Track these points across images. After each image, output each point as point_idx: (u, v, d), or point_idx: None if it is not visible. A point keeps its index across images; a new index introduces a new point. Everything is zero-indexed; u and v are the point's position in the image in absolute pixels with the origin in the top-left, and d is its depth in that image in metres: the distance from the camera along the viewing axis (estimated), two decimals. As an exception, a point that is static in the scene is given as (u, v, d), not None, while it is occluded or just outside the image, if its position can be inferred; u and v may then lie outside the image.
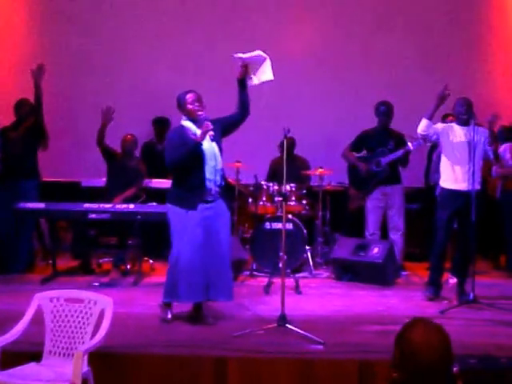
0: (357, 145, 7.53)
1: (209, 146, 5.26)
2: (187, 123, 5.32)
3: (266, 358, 4.55)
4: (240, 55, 5.29)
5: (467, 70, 8.84)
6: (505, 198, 7.36)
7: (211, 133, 5.24)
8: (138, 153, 8.19)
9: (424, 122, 6.10)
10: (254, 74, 5.31)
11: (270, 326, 5.04)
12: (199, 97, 5.35)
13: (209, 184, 5.24)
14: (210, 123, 5.17)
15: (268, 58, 5.30)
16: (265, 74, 5.28)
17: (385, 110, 7.35)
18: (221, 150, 5.34)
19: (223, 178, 5.44)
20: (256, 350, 4.62)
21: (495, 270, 7.75)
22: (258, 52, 5.30)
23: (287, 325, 5.00)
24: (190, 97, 5.29)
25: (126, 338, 4.84)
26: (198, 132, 5.22)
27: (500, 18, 9.17)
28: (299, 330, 4.92)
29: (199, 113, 5.30)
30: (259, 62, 5.31)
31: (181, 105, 5.35)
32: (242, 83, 5.36)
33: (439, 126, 6.24)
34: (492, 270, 7.69)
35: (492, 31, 9.12)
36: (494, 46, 9.11)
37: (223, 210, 5.38)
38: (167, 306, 5.42)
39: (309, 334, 4.85)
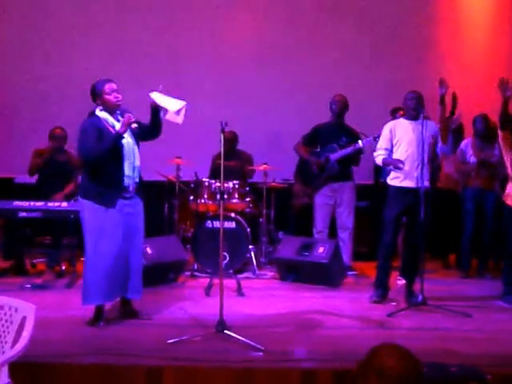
0: (309, 139, 7.29)
1: (127, 140, 5.02)
2: (103, 114, 5.04)
3: (203, 366, 4.26)
4: (154, 97, 5.01)
5: (419, 67, 8.70)
6: (465, 195, 7.19)
7: (135, 125, 5.01)
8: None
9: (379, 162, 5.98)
10: (166, 112, 5.06)
11: (208, 331, 4.75)
12: (117, 87, 5.09)
13: (127, 180, 5.03)
14: (131, 115, 4.95)
15: (185, 103, 5.05)
16: (176, 117, 5.05)
17: (338, 104, 7.13)
18: (138, 146, 5.14)
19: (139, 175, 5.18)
20: (192, 359, 4.32)
21: (444, 268, 7.61)
22: (176, 102, 5.04)
23: (226, 331, 4.71)
24: (108, 86, 5.02)
25: (55, 346, 4.54)
26: (117, 124, 4.99)
27: (451, 15, 9.06)
28: (239, 337, 4.64)
29: (119, 103, 5.07)
30: (173, 105, 5.05)
31: (97, 94, 5.05)
32: (154, 111, 5.12)
33: (386, 131, 5.98)
34: (441, 268, 7.55)
35: (443, 27, 9.01)
36: (444, 37, 8.99)
37: (140, 208, 5.20)
38: (98, 309, 5.11)
39: (248, 341, 4.58)
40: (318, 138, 7.23)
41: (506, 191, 5.96)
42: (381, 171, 7.52)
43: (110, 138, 4.90)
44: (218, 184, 7.19)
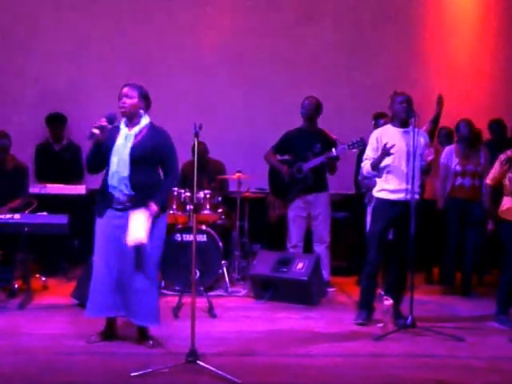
0: (281, 147, 6.78)
1: (121, 150, 4.61)
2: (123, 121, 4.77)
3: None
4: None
5: (401, 68, 8.31)
6: (449, 207, 6.75)
7: (96, 131, 4.55)
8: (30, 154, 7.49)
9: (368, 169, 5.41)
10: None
11: (177, 362, 4.19)
12: (127, 92, 4.65)
13: (113, 191, 4.63)
14: (104, 119, 4.55)
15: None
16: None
17: (308, 107, 6.64)
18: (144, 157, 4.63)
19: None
20: (159, 395, 3.79)
21: (427, 284, 7.16)
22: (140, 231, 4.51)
23: (198, 361, 4.15)
24: (120, 91, 4.70)
25: (2, 381, 3.99)
26: (125, 131, 4.67)
27: (435, 15, 8.68)
28: (212, 368, 4.10)
29: (122, 110, 4.67)
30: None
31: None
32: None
33: (373, 140, 5.43)
34: (424, 283, 7.08)
35: (427, 28, 8.64)
36: (429, 43, 8.59)
37: None
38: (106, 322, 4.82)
39: (223, 373, 4.04)
40: (290, 146, 6.72)
41: (505, 206, 5.49)
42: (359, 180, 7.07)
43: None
44: (187, 194, 6.64)
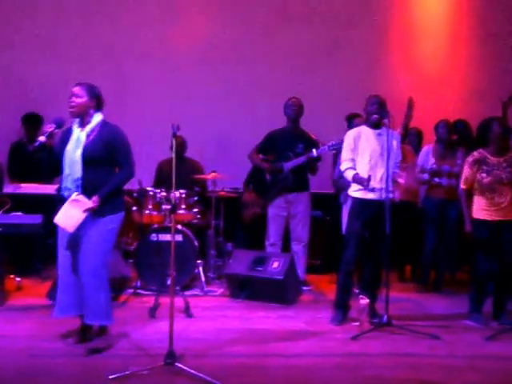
0: (264, 146, 6.70)
1: (73, 151, 4.48)
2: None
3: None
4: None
5: (369, 66, 8.27)
6: (428, 206, 6.72)
7: (42, 139, 4.46)
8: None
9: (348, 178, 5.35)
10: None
11: (155, 364, 4.07)
12: (76, 91, 4.51)
13: (66, 193, 4.48)
14: (52, 125, 4.48)
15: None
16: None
17: (293, 108, 6.57)
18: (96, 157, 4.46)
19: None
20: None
21: (400, 281, 7.11)
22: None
23: (177, 363, 4.05)
24: (71, 90, 4.56)
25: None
26: (76, 132, 4.54)
27: (401, 12, 8.65)
28: (191, 370, 3.99)
29: (70, 110, 4.54)
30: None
31: None
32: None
33: (350, 140, 5.37)
34: (397, 281, 7.03)
35: (393, 26, 8.60)
36: (397, 42, 8.58)
37: (86, 221, 4.43)
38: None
39: (202, 375, 3.95)
40: (272, 146, 6.64)
41: (476, 206, 5.46)
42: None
43: None
44: (163, 193, 6.52)
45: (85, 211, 4.38)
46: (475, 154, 5.49)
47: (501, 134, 5.41)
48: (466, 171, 5.51)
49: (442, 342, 4.88)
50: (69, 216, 4.38)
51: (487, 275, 5.46)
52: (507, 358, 4.59)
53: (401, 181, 5.26)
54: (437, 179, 6.59)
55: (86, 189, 4.42)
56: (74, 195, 4.40)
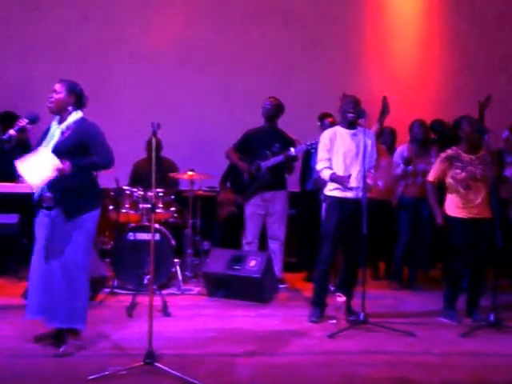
0: (241, 145, 6.65)
1: (44, 149, 4.35)
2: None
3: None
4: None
5: (343, 65, 8.27)
6: (401, 205, 6.73)
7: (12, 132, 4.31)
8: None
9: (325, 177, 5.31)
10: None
11: (134, 364, 4.00)
12: (55, 88, 4.42)
13: (39, 189, 4.35)
14: (25, 120, 4.32)
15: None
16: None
17: (271, 108, 6.54)
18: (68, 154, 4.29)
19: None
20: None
21: (374, 279, 7.13)
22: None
23: (156, 363, 3.98)
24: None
25: None
26: (53, 128, 4.45)
27: (374, 11, 8.66)
28: (170, 370, 3.93)
29: (49, 105, 4.42)
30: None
31: None
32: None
33: (326, 140, 5.34)
34: (371, 279, 7.03)
35: (366, 24, 8.61)
36: (370, 42, 8.58)
37: (60, 221, 4.33)
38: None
39: (182, 375, 3.89)
40: (250, 145, 6.60)
41: (449, 203, 5.48)
42: (306, 179, 6.99)
43: None
44: (140, 192, 6.44)
45: (54, 170, 4.17)
46: (449, 151, 5.51)
47: (471, 132, 5.43)
48: (436, 166, 5.54)
49: (417, 339, 4.88)
50: (35, 169, 4.15)
51: (461, 273, 5.48)
52: (482, 354, 4.59)
53: (368, 181, 5.25)
54: (411, 178, 6.61)
55: (55, 186, 4.29)
56: (45, 150, 4.23)
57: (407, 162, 6.54)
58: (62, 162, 4.20)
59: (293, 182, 7.14)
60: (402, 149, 6.73)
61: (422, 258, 6.80)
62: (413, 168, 6.58)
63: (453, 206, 5.45)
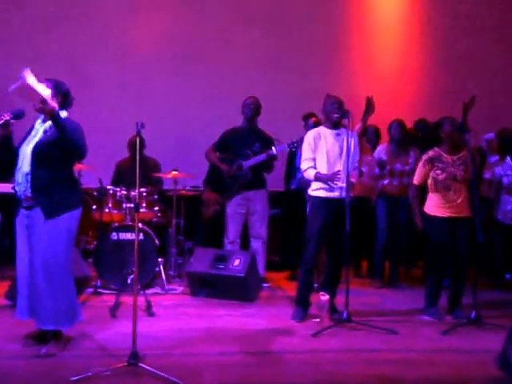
0: (221, 144, 6.61)
1: (26, 147, 4.31)
2: None
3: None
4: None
5: (328, 68, 8.27)
6: (379, 204, 6.76)
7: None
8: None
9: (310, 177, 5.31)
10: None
11: (118, 365, 3.96)
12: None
13: (18, 188, 4.30)
14: (9, 114, 4.21)
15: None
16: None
17: (251, 107, 6.49)
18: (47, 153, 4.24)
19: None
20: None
21: (356, 277, 7.11)
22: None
23: (140, 364, 3.95)
24: None
25: None
26: (37, 126, 4.39)
27: (359, 15, 8.67)
28: (154, 370, 3.90)
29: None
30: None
31: None
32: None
33: (310, 140, 5.32)
34: (353, 277, 7.02)
35: (352, 28, 8.62)
36: (353, 42, 8.59)
37: (39, 220, 4.25)
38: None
39: (166, 375, 3.86)
40: (229, 144, 6.56)
41: (429, 203, 5.50)
42: (291, 178, 6.99)
43: None
44: (124, 192, 6.39)
45: (39, 98, 4.06)
46: (430, 152, 5.52)
47: (452, 133, 5.44)
48: (419, 169, 5.55)
49: (399, 337, 4.89)
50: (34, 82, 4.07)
51: (442, 270, 5.49)
52: (463, 351, 4.61)
53: (352, 180, 5.26)
54: (388, 178, 6.63)
55: (34, 185, 4.23)
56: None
57: (381, 166, 6.58)
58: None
59: (277, 181, 7.14)
60: (379, 149, 6.76)
61: (401, 257, 6.82)
62: (389, 168, 6.60)
63: (432, 206, 5.47)
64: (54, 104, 4.16)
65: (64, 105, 4.39)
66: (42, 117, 4.38)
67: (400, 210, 6.64)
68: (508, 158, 6.68)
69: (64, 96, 4.39)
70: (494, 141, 7.05)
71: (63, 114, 4.35)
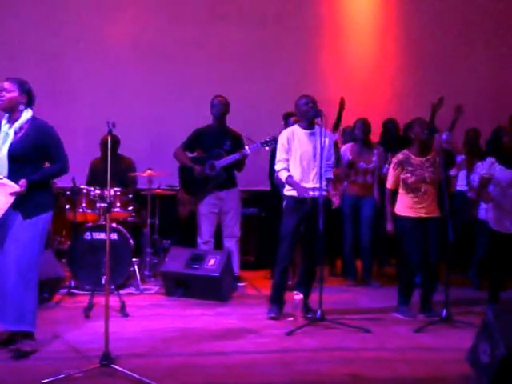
0: (190, 144, 6.52)
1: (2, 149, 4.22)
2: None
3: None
4: None
5: (299, 67, 8.25)
6: (344, 203, 6.78)
7: None
8: None
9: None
10: None
11: (90, 366, 3.88)
12: (6, 86, 4.25)
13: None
14: None
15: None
16: None
17: (220, 106, 6.41)
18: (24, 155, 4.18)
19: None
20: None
21: (331, 276, 7.09)
22: None
23: (113, 365, 3.87)
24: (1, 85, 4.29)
25: None
26: (5, 127, 4.28)
27: (330, 12, 8.65)
28: (127, 371, 3.83)
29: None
30: None
31: None
32: None
33: (284, 140, 5.29)
34: (328, 276, 7.00)
35: (323, 25, 8.59)
36: (326, 40, 8.57)
37: (14, 222, 4.18)
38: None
39: (139, 377, 3.78)
40: (199, 143, 6.48)
41: (399, 203, 5.49)
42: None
43: None
44: (97, 191, 6.29)
45: (11, 195, 4.07)
46: (399, 155, 5.51)
47: (421, 135, 5.42)
48: (390, 173, 5.54)
49: (372, 335, 4.86)
50: None
51: (414, 269, 5.48)
52: (435, 349, 4.60)
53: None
54: (352, 176, 6.66)
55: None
56: None
57: (349, 165, 6.58)
58: (17, 182, 4.10)
59: (260, 180, 7.08)
60: (344, 149, 6.76)
61: (371, 255, 6.81)
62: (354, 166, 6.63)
63: (402, 207, 5.46)
64: (21, 187, 4.11)
65: (28, 103, 4.30)
66: (7, 116, 4.29)
67: (363, 208, 6.68)
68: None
69: (28, 94, 4.30)
70: (453, 140, 7.00)
71: (29, 113, 4.28)
